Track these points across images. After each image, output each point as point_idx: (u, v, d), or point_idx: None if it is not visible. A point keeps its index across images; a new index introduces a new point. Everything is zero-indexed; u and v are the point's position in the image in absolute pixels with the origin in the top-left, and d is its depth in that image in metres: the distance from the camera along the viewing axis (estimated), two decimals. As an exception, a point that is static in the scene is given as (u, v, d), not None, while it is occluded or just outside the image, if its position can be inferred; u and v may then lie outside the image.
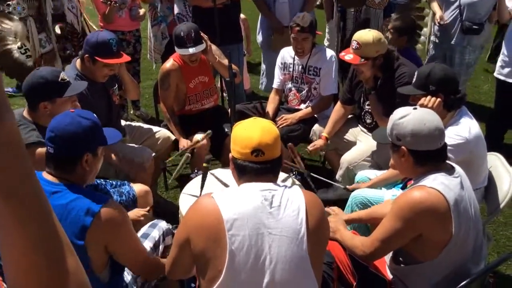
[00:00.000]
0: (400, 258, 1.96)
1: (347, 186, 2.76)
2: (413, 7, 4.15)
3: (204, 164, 2.51)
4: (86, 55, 2.85)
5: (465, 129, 2.32)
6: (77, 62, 2.94)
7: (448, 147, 2.22)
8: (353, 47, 2.97)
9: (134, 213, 2.32)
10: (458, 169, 1.89)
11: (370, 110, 3.18)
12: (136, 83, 3.38)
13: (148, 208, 2.40)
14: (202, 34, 3.21)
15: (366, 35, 2.93)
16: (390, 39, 3.60)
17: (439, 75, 2.37)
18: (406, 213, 1.76)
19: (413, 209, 1.74)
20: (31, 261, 0.58)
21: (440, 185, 1.75)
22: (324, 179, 2.91)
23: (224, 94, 4.38)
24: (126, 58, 2.98)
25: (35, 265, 0.58)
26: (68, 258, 0.60)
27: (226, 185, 2.50)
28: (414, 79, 2.49)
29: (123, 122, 3.36)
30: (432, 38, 4.43)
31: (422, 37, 4.28)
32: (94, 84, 2.88)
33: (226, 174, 2.54)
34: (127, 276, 1.98)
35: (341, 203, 2.72)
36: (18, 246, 0.57)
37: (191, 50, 3.14)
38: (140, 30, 4.60)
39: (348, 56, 2.99)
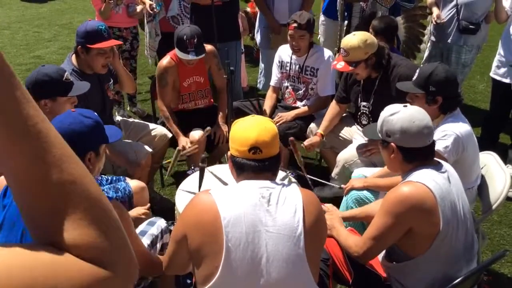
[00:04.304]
0: (392, 256, 1.98)
1: (342, 186, 2.77)
2: (416, 6, 4.17)
3: (200, 164, 2.51)
4: (79, 46, 2.87)
5: (454, 126, 2.35)
6: (73, 57, 2.95)
7: (442, 149, 2.24)
8: (342, 54, 2.99)
9: (136, 211, 2.33)
10: (446, 165, 1.92)
11: (366, 112, 3.19)
12: (131, 76, 3.39)
13: (148, 205, 2.41)
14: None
15: (351, 40, 2.94)
16: None
17: (441, 76, 2.38)
18: (395, 208, 1.78)
19: (401, 203, 1.77)
20: (31, 173, 0.58)
21: (426, 179, 1.78)
22: (319, 179, 2.90)
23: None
24: (116, 41, 3.03)
25: (35, 177, 0.58)
26: (72, 168, 0.60)
27: (224, 183, 2.50)
28: (415, 77, 2.49)
29: (119, 118, 3.36)
30: (430, 37, 4.45)
31: (426, 36, 4.30)
32: (88, 78, 2.88)
33: (223, 170, 2.54)
34: None
35: (337, 200, 2.74)
36: (15, 162, 0.57)
37: (191, 56, 3.14)
38: (137, 27, 4.58)
39: (339, 64, 3.01)
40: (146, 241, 2.05)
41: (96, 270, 0.58)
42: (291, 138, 2.69)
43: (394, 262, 1.97)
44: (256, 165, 1.60)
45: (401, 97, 2.55)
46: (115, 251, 0.61)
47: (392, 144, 1.88)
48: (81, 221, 0.59)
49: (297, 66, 3.56)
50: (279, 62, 3.67)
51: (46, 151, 0.59)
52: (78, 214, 0.59)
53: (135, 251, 1.86)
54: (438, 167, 1.86)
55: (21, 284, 0.51)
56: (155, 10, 4.20)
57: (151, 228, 2.14)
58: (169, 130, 3.36)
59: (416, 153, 1.86)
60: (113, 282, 0.60)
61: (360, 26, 3.91)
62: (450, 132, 2.32)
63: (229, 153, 1.68)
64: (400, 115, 1.86)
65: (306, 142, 3.31)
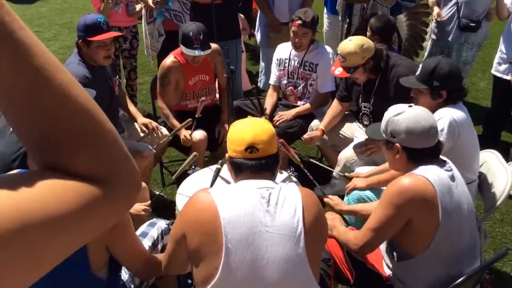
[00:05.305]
0: (394, 254, 1.97)
1: (346, 174, 2.77)
2: (418, 4, 4.16)
3: (218, 166, 2.50)
4: (80, 40, 2.91)
5: (450, 111, 2.35)
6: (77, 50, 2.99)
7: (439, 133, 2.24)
8: (340, 60, 2.98)
9: (135, 208, 2.31)
10: (451, 164, 1.91)
11: (367, 112, 3.18)
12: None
13: (148, 202, 2.40)
14: None
15: (348, 46, 2.92)
16: (368, 36, 3.58)
17: (445, 70, 2.37)
18: (395, 199, 1.78)
19: (402, 194, 1.76)
20: (14, 86, 0.51)
21: (428, 173, 1.78)
22: (324, 165, 2.92)
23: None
24: (115, 33, 3.08)
25: (19, 89, 0.52)
26: (57, 78, 0.53)
27: (227, 182, 2.49)
28: (418, 72, 2.48)
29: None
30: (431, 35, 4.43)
31: (428, 34, 4.29)
32: (95, 69, 2.93)
33: (224, 170, 2.53)
34: (125, 274, 1.98)
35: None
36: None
37: (197, 52, 3.12)
38: (137, 26, 4.58)
39: (337, 70, 3.00)
40: (147, 243, 2.04)
41: (91, 189, 0.54)
42: (281, 140, 2.66)
43: (395, 261, 1.96)
44: (253, 164, 1.59)
45: (400, 97, 2.54)
46: (113, 165, 0.57)
47: (397, 144, 1.87)
48: (74, 136, 0.54)
49: (296, 62, 3.54)
50: (277, 60, 3.66)
51: (25, 60, 0.51)
52: (70, 129, 0.54)
53: (136, 253, 1.83)
54: (442, 164, 1.86)
55: (8, 222, 0.45)
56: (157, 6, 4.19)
57: (151, 230, 2.13)
58: (170, 130, 3.35)
59: (421, 153, 1.85)
60: (112, 199, 0.57)
61: (361, 29, 3.89)
62: (446, 116, 2.32)
63: (227, 155, 1.67)
64: (406, 115, 1.85)
65: (305, 135, 3.30)
